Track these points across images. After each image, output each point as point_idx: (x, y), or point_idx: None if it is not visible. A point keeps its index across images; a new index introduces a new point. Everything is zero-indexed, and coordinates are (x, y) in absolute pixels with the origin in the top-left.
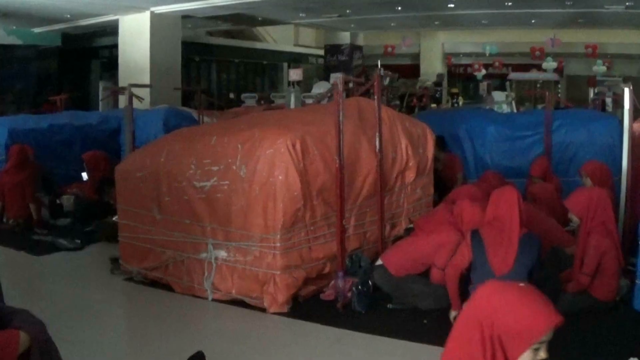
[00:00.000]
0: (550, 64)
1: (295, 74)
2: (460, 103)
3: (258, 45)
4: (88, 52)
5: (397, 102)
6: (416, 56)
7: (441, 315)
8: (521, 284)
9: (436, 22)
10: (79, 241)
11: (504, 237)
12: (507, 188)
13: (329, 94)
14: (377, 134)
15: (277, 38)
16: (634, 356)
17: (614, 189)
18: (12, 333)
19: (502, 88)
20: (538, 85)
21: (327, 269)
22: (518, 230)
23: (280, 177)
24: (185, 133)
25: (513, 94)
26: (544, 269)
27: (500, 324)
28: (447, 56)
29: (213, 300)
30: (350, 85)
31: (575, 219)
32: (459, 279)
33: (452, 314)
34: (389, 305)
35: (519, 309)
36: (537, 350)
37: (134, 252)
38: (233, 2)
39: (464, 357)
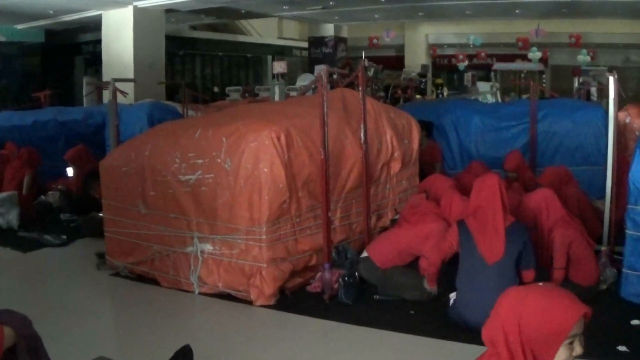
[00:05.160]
0: (535, 54)
1: (279, 67)
2: (445, 94)
3: (242, 38)
4: (71, 48)
5: (382, 94)
6: (400, 48)
7: (428, 306)
8: (540, 284)
9: (420, 14)
10: (64, 237)
11: (490, 228)
12: (488, 176)
13: (313, 86)
14: (362, 125)
15: (261, 31)
16: (622, 345)
17: (577, 185)
18: None
19: (487, 78)
20: (522, 76)
21: (313, 261)
22: (503, 221)
23: (265, 170)
24: (170, 127)
25: (498, 85)
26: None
27: (527, 330)
28: (431, 47)
29: (200, 293)
30: (335, 77)
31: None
32: (441, 264)
33: (427, 286)
34: (376, 297)
35: (541, 310)
36: (570, 345)
37: (120, 247)
38: None
39: None
